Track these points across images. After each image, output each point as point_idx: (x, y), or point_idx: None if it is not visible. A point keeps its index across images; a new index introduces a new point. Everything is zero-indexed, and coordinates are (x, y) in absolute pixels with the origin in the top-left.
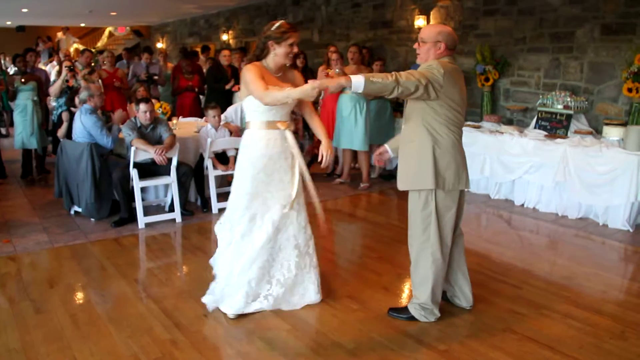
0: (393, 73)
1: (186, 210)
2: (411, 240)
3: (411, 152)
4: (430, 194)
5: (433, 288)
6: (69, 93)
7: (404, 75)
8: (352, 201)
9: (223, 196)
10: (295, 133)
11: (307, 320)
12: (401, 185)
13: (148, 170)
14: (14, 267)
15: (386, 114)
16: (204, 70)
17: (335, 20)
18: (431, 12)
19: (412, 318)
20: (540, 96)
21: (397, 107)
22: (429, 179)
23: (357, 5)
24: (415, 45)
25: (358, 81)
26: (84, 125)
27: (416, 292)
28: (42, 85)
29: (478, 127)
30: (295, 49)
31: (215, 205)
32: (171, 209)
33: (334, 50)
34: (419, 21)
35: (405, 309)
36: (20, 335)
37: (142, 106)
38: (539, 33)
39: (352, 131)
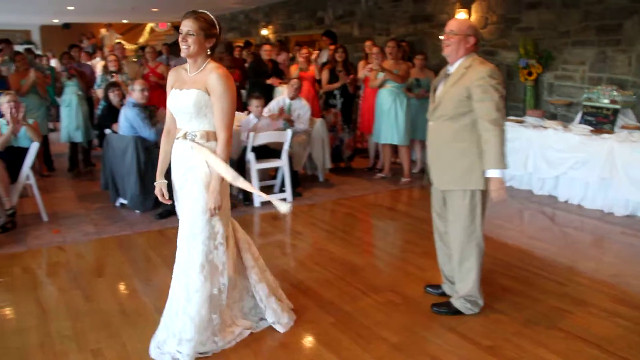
0: (491, 126)
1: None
2: (455, 235)
3: (457, 153)
4: (478, 191)
5: (477, 277)
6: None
7: (494, 113)
8: (393, 196)
9: (265, 189)
10: (333, 126)
11: (351, 313)
12: (445, 185)
13: None
14: (64, 256)
15: (427, 108)
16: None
17: (376, 14)
18: (472, 6)
19: (458, 312)
20: (586, 90)
21: None
22: (480, 179)
23: (397, 0)
24: (444, 37)
25: (498, 171)
26: (127, 119)
27: (460, 284)
28: (87, 79)
29: (521, 122)
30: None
31: (257, 199)
32: None
33: (373, 45)
34: (460, 15)
35: (448, 304)
36: (71, 323)
37: None
38: (585, 26)
39: (392, 126)
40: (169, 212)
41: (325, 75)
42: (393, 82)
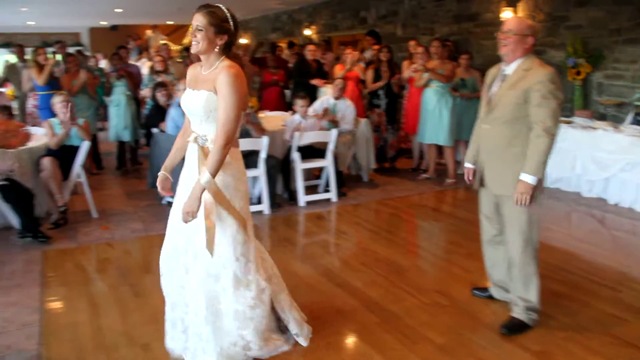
0: (543, 133)
1: (274, 202)
2: (512, 241)
3: (512, 157)
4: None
5: (539, 282)
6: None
7: (549, 121)
8: (438, 197)
9: (310, 189)
10: (377, 126)
11: (397, 313)
12: (499, 190)
13: None
14: (113, 253)
15: (473, 108)
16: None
17: (419, 13)
18: (518, 4)
19: (526, 326)
20: (637, 90)
21: None
22: (539, 185)
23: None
24: (501, 36)
25: (532, 178)
26: (173, 118)
27: (522, 292)
28: (135, 80)
29: (569, 123)
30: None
31: (302, 198)
32: (258, 200)
33: (418, 44)
34: (506, 13)
35: (517, 322)
36: (121, 318)
37: None
38: (637, 23)
39: (436, 126)
40: None
41: (369, 75)
42: (438, 82)
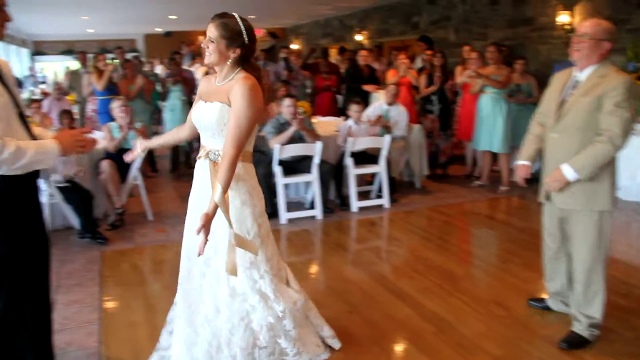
0: (608, 141)
1: (326, 208)
2: (581, 257)
3: None
4: (606, 212)
5: (605, 300)
6: None
7: (617, 130)
8: (492, 204)
9: (362, 195)
10: (430, 132)
11: (453, 323)
12: (569, 204)
13: (291, 167)
14: (168, 255)
15: (528, 114)
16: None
17: (472, 18)
18: (576, 7)
19: (586, 342)
20: None
21: None
22: (608, 200)
23: (495, 3)
24: (574, 40)
25: (573, 173)
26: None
27: (589, 311)
28: (190, 85)
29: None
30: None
31: (354, 204)
32: (311, 205)
33: (472, 50)
34: (562, 17)
35: (577, 338)
36: None
37: (287, 100)
38: None
39: (490, 132)
40: (268, 214)
41: (422, 81)
42: (493, 88)
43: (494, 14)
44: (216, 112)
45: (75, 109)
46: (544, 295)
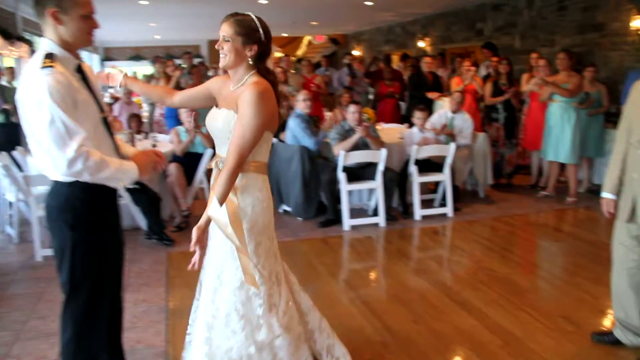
0: None
1: (389, 215)
2: None
3: None
4: None
5: None
6: None
7: None
8: (558, 216)
9: (424, 203)
10: (495, 141)
11: (520, 337)
12: None
13: (355, 174)
14: None
15: (598, 124)
16: (405, 77)
17: (539, 24)
18: None
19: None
20: None
21: (609, 117)
22: None
23: (563, 8)
24: None
25: None
26: (290, 128)
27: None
28: None
29: None
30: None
31: (418, 212)
32: (374, 213)
33: (540, 57)
34: (637, 22)
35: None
36: None
37: (352, 107)
38: None
39: (558, 142)
40: (332, 220)
41: (488, 89)
42: (561, 97)
43: (562, 19)
44: (222, 119)
45: (144, 112)
46: (610, 328)
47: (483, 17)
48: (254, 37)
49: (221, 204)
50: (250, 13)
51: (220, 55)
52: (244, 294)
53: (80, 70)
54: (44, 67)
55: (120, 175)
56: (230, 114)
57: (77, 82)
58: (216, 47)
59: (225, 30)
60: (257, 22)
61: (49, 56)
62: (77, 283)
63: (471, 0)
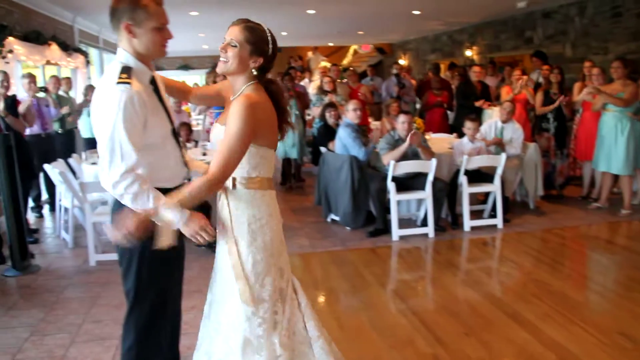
0: None
1: (438, 226)
2: None
3: None
4: None
5: None
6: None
7: None
8: (612, 228)
9: (473, 214)
10: (545, 151)
11: (576, 352)
12: None
13: (403, 184)
14: None
15: None
16: (453, 87)
17: (591, 32)
18: None
19: None
20: None
21: None
22: None
23: (617, 15)
24: None
25: None
26: (340, 137)
27: None
28: (303, 100)
29: None
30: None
31: (467, 223)
32: (423, 223)
33: (593, 66)
34: None
35: None
36: None
37: (402, 117)
38: None
39: (610, 153)
40: (380, 230)
41: (539, 98)
42: (615, 106)
43: (616, 26)
44: (218, 136)
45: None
46: None
47: (533, 25)
48: (262, 48)
49: (185, 206)
50: (262, 24)
51: (221, 59)
52: (243, 313)
53: (153, 82)
54: (120, 82)
55: (160, 214)
56: (222, 128)
57: (150, 95)
58: (219, 49)
59: (235, 34)
60: (268, 34)
61: (126, 70)
62: (142, 292)
63: (520, 8)
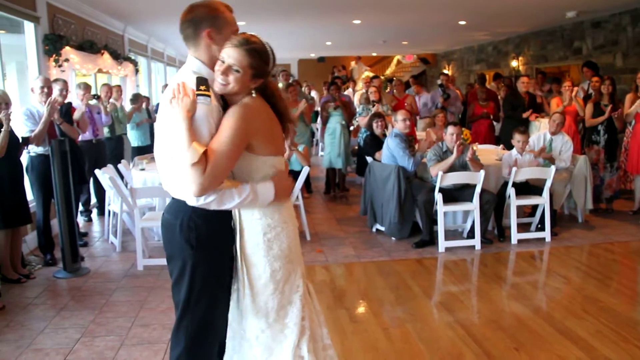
0: None
1: (485, 238)
2: None
3: None
4: None
5: None
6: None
7: None
8: None
9: (520, 226)
10: (595, 164)
11: None
12: None
13: (450, 195)
14: (328, 276)
15: None
16: (499, 98)
17: None
18: None
19: None
20: None
21: None
22: None
23: None
24: None
25: None
26: (389, 148)
27: None
28: (349, 109)
29: None
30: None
31: (514, 236)
32: (469, 235)
33: None
34: None
35: None
36: (340, 340)
37: (450, 128)
38: None
39: None
40: (426, 242)
41: (589, 110)
42: None
43: None
44: None
45: None
46: None
47: (581, 35)
48: (264, 70)
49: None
50: (259, 37)
51: (220, 81)
52: (264, 321)
53: None
54: (200, 94)
55: (256, 198)
56: None
57: (219, 104)
58: (217, 69)
59: (238, 59)
60: (270, 52)
61: (204, 82)
62: (193, 301)
63: (569, 18)
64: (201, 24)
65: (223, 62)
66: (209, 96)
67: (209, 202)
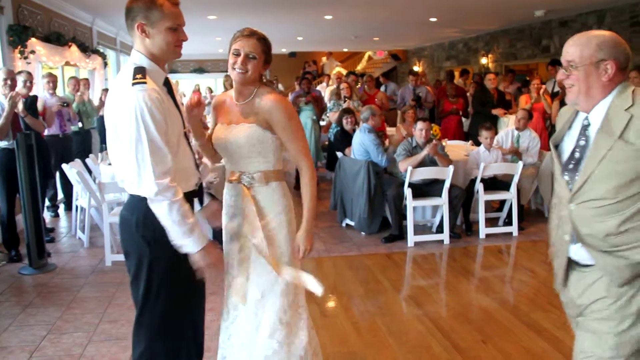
0: None
1: (453, 233)
2: None
3: None
4: None
5: None
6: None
7: None
8: None
9: (490, 221)
10: None
11: None
12: None
13: (420, 190)
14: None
15: None
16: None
17: None
18: None
19: None
20: None
21: None
22: None
23: (636, 24)
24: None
25: None
26: (362, 143)
27: None
28: (320, 104)
29: None
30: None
31: (482, 230)
32: (438, 229)
33: None
34: None
35: None
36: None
37: (420, 124)
38: None
39: None
40: (395, 236)
41: (555, 107)
42: None
43: (635, 35)
44: (245, 134)
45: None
46: None
47: (549, 34)
48: (270, 57)
49: (313, 214)
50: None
51: (239, 71)
52: (286, 301)
53: (166, 83)
54: (136, 82)
55: (185, 235)
56: (253, 127)
57: (164, 96)
58: (238, 63)
59: (253, 47)
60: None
61: (140, 70)
62: (152, 299)
63: (538, 17)
64: (136, 16)
65: (238, 54)
66: (144, 83)
67: (161, 202)
